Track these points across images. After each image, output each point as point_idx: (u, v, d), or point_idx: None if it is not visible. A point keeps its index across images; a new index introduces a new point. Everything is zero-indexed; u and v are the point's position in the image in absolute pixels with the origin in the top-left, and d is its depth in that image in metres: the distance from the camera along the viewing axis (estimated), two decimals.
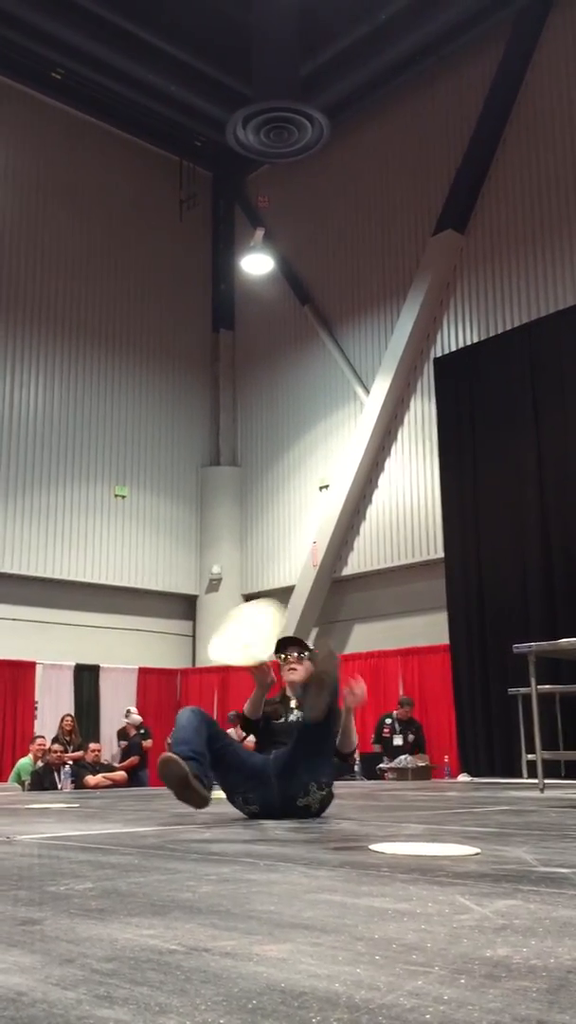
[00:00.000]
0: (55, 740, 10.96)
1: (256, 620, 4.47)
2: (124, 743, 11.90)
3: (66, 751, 10.71)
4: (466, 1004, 1.04)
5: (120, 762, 11.57)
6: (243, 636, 4.36)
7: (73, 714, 12.10)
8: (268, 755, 4.19)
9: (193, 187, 16.16)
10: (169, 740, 11.35)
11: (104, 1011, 1.03)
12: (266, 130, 11.97)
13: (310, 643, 4.76)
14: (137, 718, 12.06)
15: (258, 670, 4.23)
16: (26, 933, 1.48)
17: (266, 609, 4.57)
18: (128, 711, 12.30)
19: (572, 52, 12.01)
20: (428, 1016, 0.99)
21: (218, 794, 6.28)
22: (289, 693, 4.49)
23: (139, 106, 14.43)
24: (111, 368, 14.73)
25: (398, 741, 10.89)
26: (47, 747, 10.72)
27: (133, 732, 11.85)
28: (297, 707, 4.37)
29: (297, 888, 1.95)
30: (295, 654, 4.48)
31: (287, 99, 11.63)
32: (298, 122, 11.88)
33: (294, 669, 4.43)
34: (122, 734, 12.11)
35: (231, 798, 4.27)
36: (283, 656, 4.49)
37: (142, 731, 11.85)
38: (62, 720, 11.57)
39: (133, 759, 11.50)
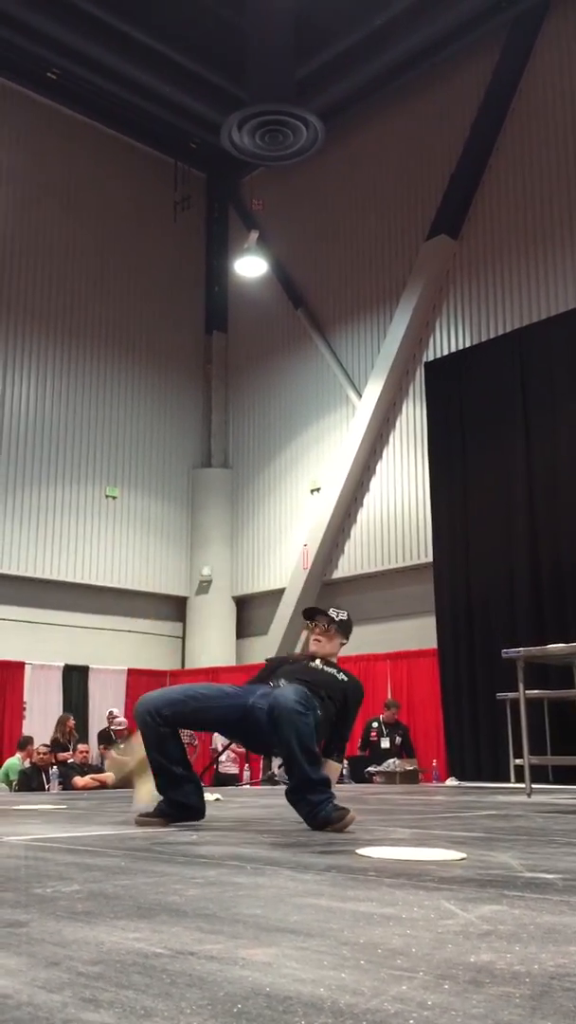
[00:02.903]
0: (55, 742, 10.93)
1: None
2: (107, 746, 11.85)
3: (67, 751, 10.72)
4: (449, 1010, 1.04)
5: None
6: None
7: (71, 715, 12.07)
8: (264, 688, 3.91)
9: (187, 189, 16.17)
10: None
11: (90, 1014, 1.03)
12: (261, 133, 11.99)
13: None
14: (123, 720, 12.08)
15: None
16: (12, 935, 1.48)
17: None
18: (111, 712, 12.28)
19: (567, 59, 12.06)
20: (412, 1021, 1.00)
21: (207, 796, 6.27)
22: (316, 663, 4.26)
23: (134, 107, 14.44)
24: (103, 368, 14.71)
25: (385, 744, 10.91)
26: (36, 749, 10.71)
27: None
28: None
29: (283, 892, 1.96)
30: (323, 625, 4.28)
31: (282, 102, 11.65)
32: (293, 125, 11.90)
33: (319, 640, 4.27)
34: (104, 736, 12.07)
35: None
36: (311, 624, 4.33)
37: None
38: (67, 721, 11.52)
39: None
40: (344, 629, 4.32)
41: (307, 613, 4.42)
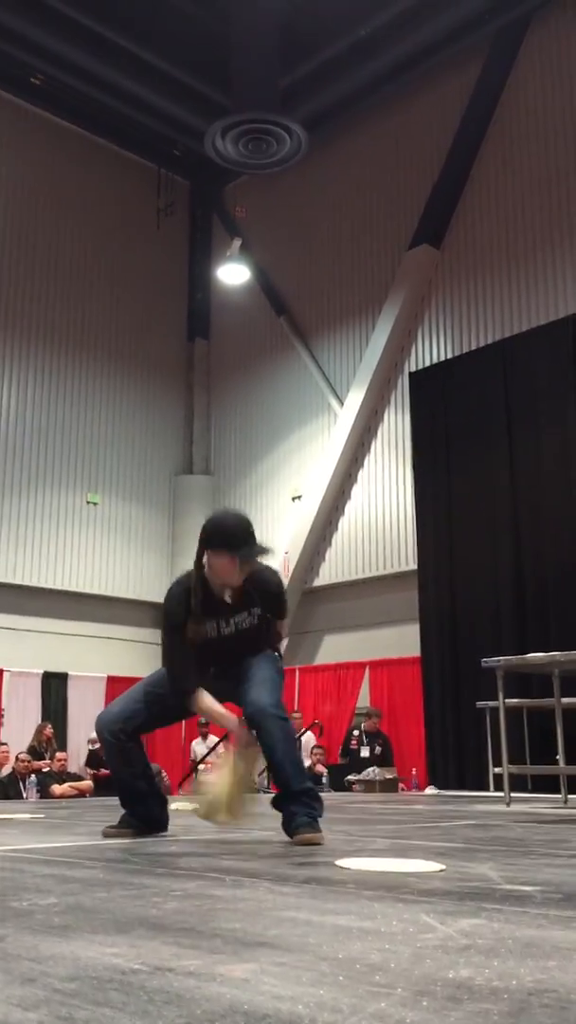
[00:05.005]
0: (31, 749, 10.85)
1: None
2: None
3: (42, 759, 10.64)
4: None
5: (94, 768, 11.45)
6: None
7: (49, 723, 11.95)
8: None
9: (171, 196, 16.16)
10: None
11: None
12: (245, 141, 12.01)
13: None
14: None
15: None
16: None
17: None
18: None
19: (549, 72, 12.16)
20: None
21: (184, 805, 6.25)
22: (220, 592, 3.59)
23: (118, 114, 14.42)
24: (85, 374, 14.67)
25: (365, 753, 10.91)
26: (15, 755, 10.62)
27: None
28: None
29: (262, 905, 1.95)
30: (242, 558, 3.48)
31: (266, 111, 11.67)
32: (276, 134, 11.92)
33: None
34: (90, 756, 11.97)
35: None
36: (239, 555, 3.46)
37: None
38: (44, 729, 11.43)
39: None
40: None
41: (233, 542, 3.47)
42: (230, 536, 3.45)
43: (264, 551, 3.60)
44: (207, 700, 3.56)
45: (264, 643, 3.73)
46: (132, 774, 3.70)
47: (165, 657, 3.70)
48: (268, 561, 3.74)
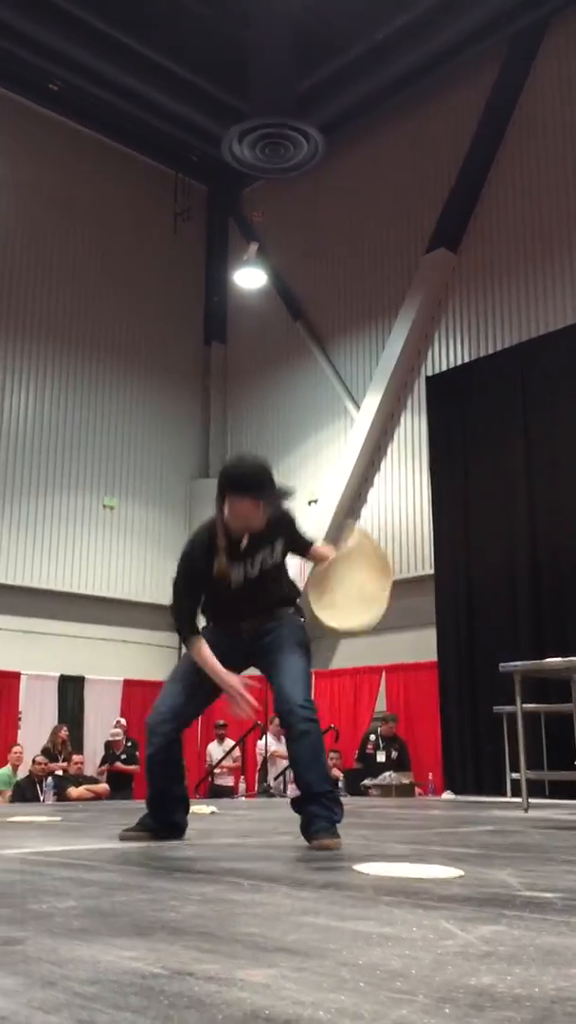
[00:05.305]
0: (45, 751, 10.90)
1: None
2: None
3: (56, 761, 10.68)
4: None
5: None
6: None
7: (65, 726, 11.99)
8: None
9: (188, 200, 16.21)
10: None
11: None
12: (262, 146, 12.04)
13: None
14: (119, 731, 11.98)
15: None
16: (9, 953, 1.47)
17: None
18: (119, 721, 12.22)
19: (567, 73, 12.12)
20: None
21: (201, 809, 6.24)
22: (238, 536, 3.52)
23: (136, 119, 14.48)
24: (102, 378, 14.72)
25: (381, 758, 10.87)
26: (32, 758, 10.66)
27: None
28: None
29: (281, 910, 1.95)
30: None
31: (283, 115, 11.69)
32: (293, 138, 11.95)
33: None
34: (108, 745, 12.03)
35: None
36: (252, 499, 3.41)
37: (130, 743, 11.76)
38: (59, 731, 11.47)
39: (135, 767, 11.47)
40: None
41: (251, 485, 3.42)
42: (253, 480, 3.42)
43: (287, 494, 3.64)
44: (205, 651, 3.60)
45: (287, 587, 3.76)
46: (169, 778, 3.69)
47: (174, 601, 3.71)
48: (289, 501, 3.73)
